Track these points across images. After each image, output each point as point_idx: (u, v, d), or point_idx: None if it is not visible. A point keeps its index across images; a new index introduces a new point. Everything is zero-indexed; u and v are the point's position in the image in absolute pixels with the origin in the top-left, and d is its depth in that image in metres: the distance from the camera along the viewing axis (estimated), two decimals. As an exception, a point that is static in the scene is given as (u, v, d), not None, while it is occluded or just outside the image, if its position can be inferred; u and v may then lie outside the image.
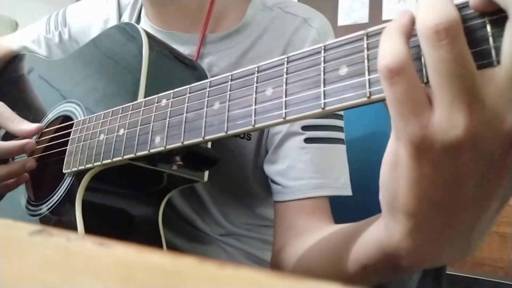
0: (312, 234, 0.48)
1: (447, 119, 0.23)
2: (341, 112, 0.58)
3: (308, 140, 0.55)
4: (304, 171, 0.54)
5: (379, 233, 0.32)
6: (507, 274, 1.73)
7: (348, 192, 0.56)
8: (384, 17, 2.16)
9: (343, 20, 2.24)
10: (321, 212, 0.53)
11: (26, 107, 0.66)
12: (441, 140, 0.23)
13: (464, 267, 1.79)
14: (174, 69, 0.53)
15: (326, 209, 0.54)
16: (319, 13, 0.62)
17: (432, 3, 0.22)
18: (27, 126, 0.53)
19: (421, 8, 0.23)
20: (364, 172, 0.62)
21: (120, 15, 0.69)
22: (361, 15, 2.23)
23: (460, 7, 0.23)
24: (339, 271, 0.38)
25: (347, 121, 0.60)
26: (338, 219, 0.54)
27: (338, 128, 0.57)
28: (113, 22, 0.68)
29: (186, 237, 0.64)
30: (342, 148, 0.58)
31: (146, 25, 0.64)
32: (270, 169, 0.58)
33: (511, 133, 0.23)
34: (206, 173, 0.51)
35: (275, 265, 0.53)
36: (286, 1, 0.63)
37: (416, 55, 0.25)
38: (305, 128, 0.55)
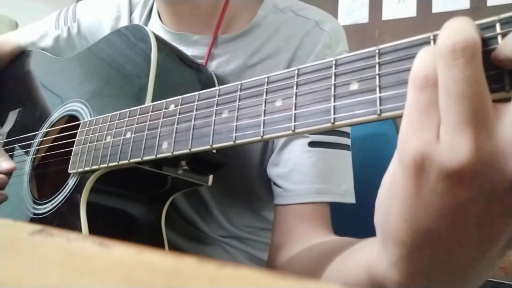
0: (304, 242, 0.47)
1: (450, 141, 0.21)
2: None
3: (312, 144, 0.54)
4: (306, 175, 0.54)
5: (370, 259, 0.30)
6: (507, 274, 1.71)
7: (351, 199, 0.55)
8: (384, 17, 2.15)
9: (343, 20, 2.23)
10: (319, 218, 0.53)
11: (31, 104, 0.67)
12: (442, 163, 0.22)
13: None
14: (182, 73, 0.54)
15: (325, 216, 0.54)
16: (331, 17, 0.61)
17: (454, 24, 0.22)
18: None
19: (443, 30, 0.22)
20: (363, 175, 0.61)
21: (131, 12, 0.69)
22: (361, 15, 2.23)
23: (482, 28, 0.23)
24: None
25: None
26: (336, 224, 0.54)
27: (344, 134, 0.57)
28: (124, 19, 0.68)
29: (188, 237, 0.64)
30: (346, 154, 0.57)
31: (156, 24, 0.64)
32: (272, 171, 0.58)
33: None
34: (211, 177, 0.51)
35: (270, 267, 0.53)
36: (298, 4, 0.62)
37: None
38: None
